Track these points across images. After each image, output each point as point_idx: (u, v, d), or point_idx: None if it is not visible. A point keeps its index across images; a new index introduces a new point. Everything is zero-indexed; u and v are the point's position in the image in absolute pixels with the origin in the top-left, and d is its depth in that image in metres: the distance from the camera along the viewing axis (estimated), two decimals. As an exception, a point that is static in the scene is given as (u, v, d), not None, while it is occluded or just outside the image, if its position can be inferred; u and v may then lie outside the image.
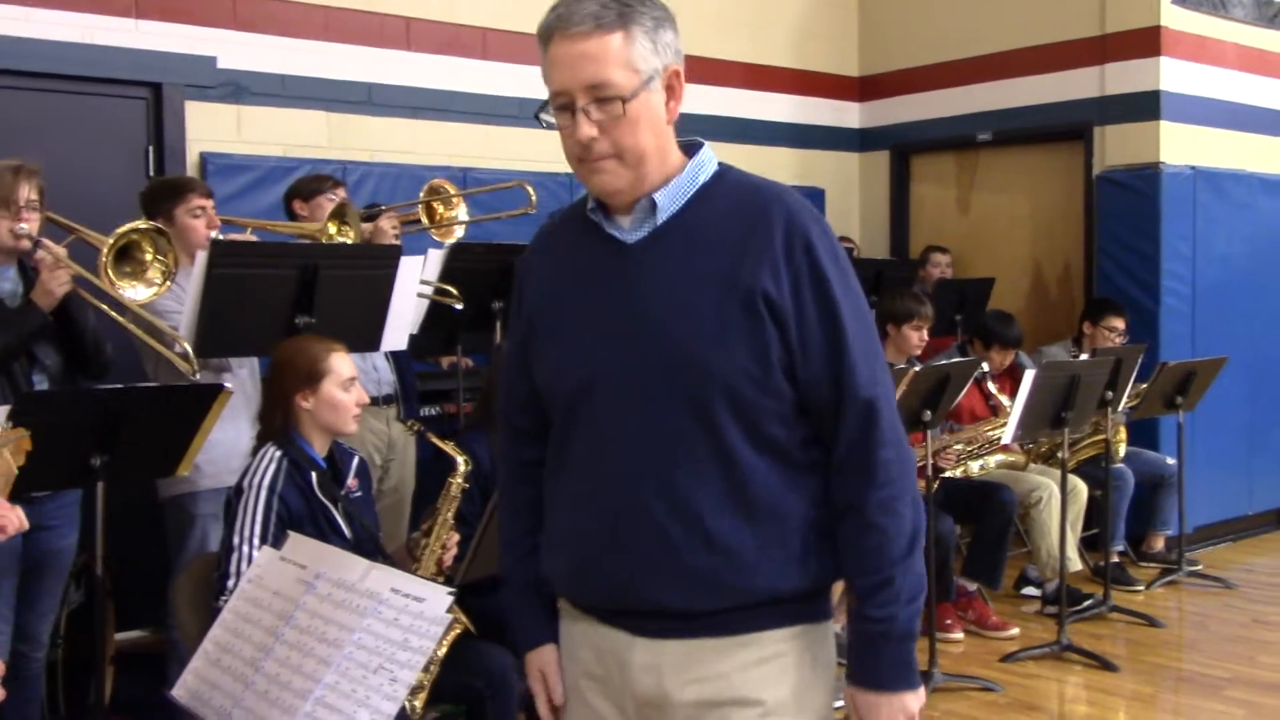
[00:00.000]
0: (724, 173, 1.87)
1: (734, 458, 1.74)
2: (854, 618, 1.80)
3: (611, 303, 1.79)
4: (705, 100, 6.94)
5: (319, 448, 3.11)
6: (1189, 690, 4.72)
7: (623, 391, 1.77)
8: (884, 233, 7.90)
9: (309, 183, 4.58)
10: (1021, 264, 7.40)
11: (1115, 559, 5.95)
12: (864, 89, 7.90)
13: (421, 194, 4.76)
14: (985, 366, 5.59)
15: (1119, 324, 6.12)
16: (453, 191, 4.80)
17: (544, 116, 1.77)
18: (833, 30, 7.77)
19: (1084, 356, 5.55)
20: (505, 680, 3.21)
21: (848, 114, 7.89)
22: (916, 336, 5.34)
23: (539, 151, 6.10)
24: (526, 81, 6.20)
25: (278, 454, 3.00)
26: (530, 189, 4.85)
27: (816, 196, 7.52)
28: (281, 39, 5.54)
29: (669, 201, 1.80)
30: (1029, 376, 4.74)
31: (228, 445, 3.55)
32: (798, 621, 1.80)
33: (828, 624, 1.88)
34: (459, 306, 4.34)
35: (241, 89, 5.42)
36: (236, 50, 5.38)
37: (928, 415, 4.47)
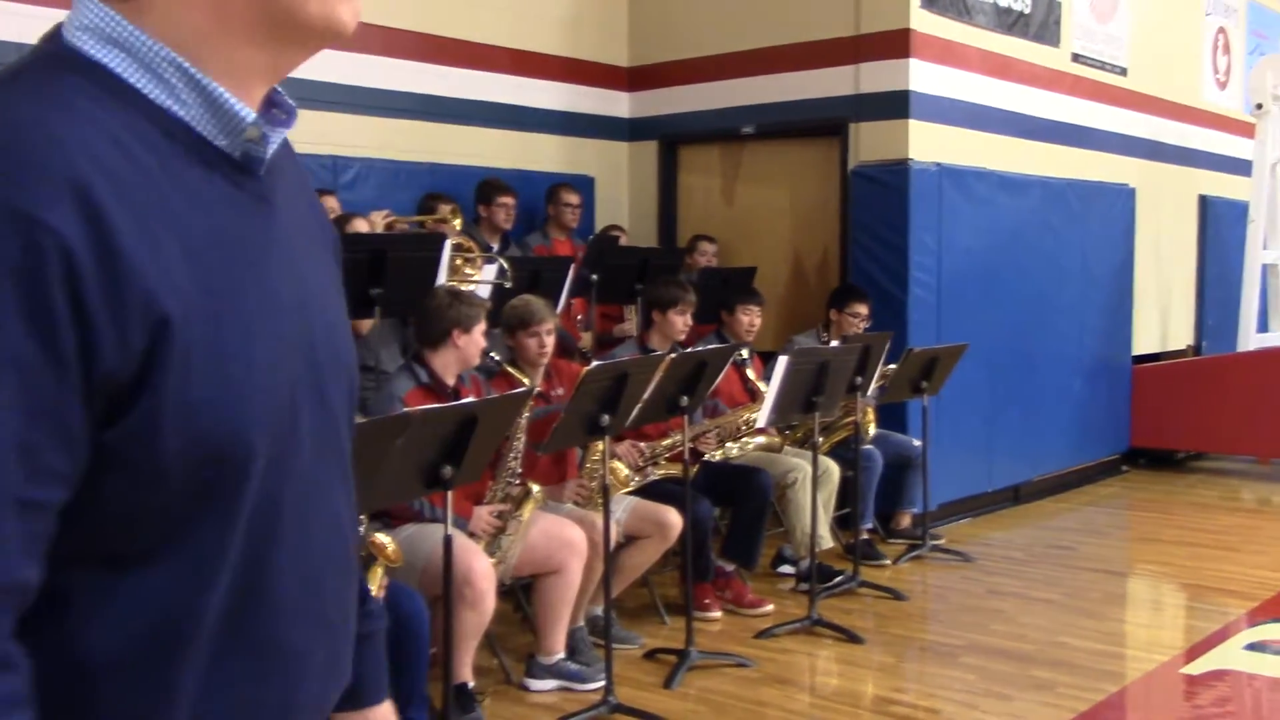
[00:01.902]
0: None
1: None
2: None
3: (270, 281, 1.09)
4: (471, 85, 6.92)
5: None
6: (929, 659, 5.00)
7: (321, 427, 1.15)
8: (653, 221, 8.04)
9: None
10: (782, 253, 7.66)
11: (865, 536, 6.24)
12: (633, 79, 8.01)
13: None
14: (745, 353, 5.77)
15: (863, 310, 6.41)
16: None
17: None
18: (603, 19, 7.85)
19: (834, 343, 5.79)
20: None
21: (617, 103, 7.99)
22: (681, 321, 5.48)
23: (299, 133, 5.98)
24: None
25: None
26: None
27: (586, 184, 7.60)
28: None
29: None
30: (781, 362, 4.92)
31: None
32: None
33: None
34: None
35: None
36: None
37: (685, 400, 4.58)
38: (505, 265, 5.28)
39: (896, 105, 6.89)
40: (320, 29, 1.09)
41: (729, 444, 5.65)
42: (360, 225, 5.14)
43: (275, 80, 1.12)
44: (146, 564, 1.00)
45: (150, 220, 0.97)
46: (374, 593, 3.47)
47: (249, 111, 1.06)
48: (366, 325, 4.84)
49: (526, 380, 4.36)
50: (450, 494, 3.43)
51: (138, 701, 1.02)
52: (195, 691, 1.04)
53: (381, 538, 3.50)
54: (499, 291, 5.38)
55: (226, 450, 1.00)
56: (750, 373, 5.82)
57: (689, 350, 4.96)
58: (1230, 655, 4.88)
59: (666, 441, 5.21)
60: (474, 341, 4.20)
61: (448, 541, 3.45)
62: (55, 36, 1.05)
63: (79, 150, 0.94)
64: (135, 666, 1.01)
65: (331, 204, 5.58)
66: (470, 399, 3.79)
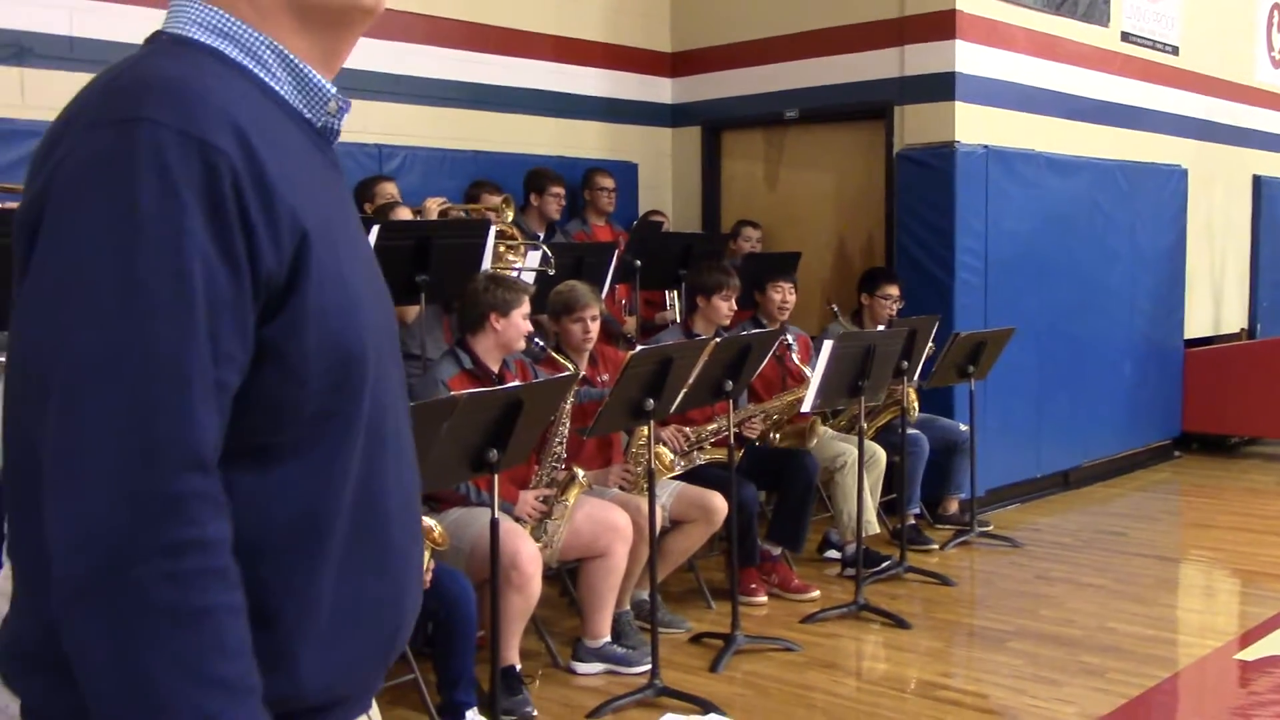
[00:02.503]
0: None
1: None
2: None
3: (351, 229, 1.29)
4: (514, 72, 6.93)
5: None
6: (977, 644, 4.97)
7: (394, 373, 1.31)
8: (696, 207, 8.02)
9: None
10: (827, 238, 7.62)
11: (911, 522, 6.20)
12: (676, 65, 7.98)
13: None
14: (790, 338, 5.75)
15: (894, 291, 6.36)
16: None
17: None
18: (645, 5, 7.83)
19: (880, 328, 5.75)
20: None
21: (660, 89, 7.97)
22: (725, 306, 5.47)
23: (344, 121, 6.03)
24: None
25: None
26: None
27: (629, 171, 7.60)
28: (69, -1, 5.32)
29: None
30: (827, 347, 4.89)
31: None
32: None
33: None
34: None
35: (25, 50, 5.17)
36: (18, 10, 5.13)
37: (729, 385, 4.56)
38: (549, 252, 5.29)
39: (942, 87, 6.83)
40: (339, 9, 1.24)
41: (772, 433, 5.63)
42: (403, 213, 5.16)
43: (330, 67, 1.28)
44: (291, 458, 1.16)
45: (281, 158, 1.15)
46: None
47: (332, 86, 1.26)
48: (411, 313, 4.86)
49: (571, 366, 4.36)
50: (496, 478, 3.44)
51: (289, 583, 1.17)
52: (334, 579, 1.20)
53: (427, 521, 3.52)
54: (543, 278, 5.40)
55: (351, 349, 1.18)
56: (796, 356, 5.79)
57: (733, 335, 4.95)
58: (1289, 642, 4.82)
59: (711, 426, 5.20)
60: (513, 325, 4.20)
61: (494, 525, 3.46)
62: (160, 35, 1.23)
63: (226, 97, 1.13)
64: (285, 552, 1.16)
65: (391, 190, 5.60)
66: (515, 383, 3.81)
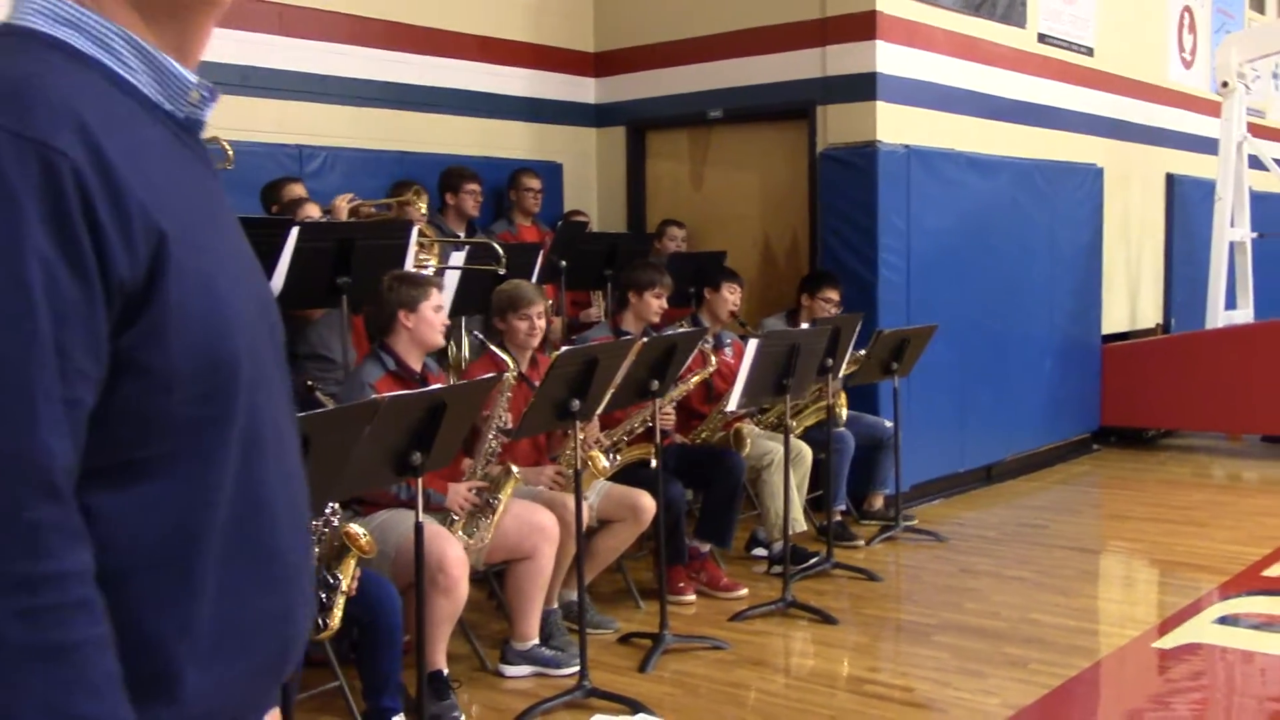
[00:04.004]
0: None
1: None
2: None
3: (222, 228, 1.23)
4: (438, 72, 6.88)
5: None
6: (903, 638, 5.02)
7: (275, 377, 1.26)
8: (621, 207, 8.02)
9: None
10: (752, 238, 7.66)
11: (838, 518, 6.26)
12: (600, 65, 7.98)
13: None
14: (728, 338, 5.79)
15: (834, 295, 6.42)
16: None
17: None
18: (568, 5, 7.81)
19: (804, 326, 5.79)
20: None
21: (584, 89, 7.96)
22: (658, 304, 5.48)
23: (264, 122, 5.98)
24: (248, 49, 6.03)
25: None
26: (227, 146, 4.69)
27: (554, 171, 7.58)
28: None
29: None
30: (751, 345, 4.92)
31: None
32: None
33: None
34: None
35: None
36: None
37: (655, 385, 4.57)
38: (498, 250, 5.29)
39: (863, 87, 6.89)
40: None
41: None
42: (311, 210, 5.10)
43: (188, 58, 1.20)
44: (160, 473, 1.09)
45: (135, 156, 1.08)
46: (345, 585, 3.45)
47: (194, 76, 1.19)
48: (316, 313, 4.81)
49: (510, 360, 4.33)
50: (420, 482, 3.41)
51: (165, 605, 1.10)
52: (215, 596, 1.13)
53: (355, 528, 3.48)
54: (467, 278, 5.37)
55: (221, 355, 1.11)
56: (730, 355, 5.82)
57: (660, 334, 4.95)
58: (1202, 629, 4.92)
59: (625, 425, 5.18)
60: (424, 320, 4.16)
61: (419, 529, 3.43)
62: (2, 27, 1.14)
63: (70, 93, 1.06)
64: (159, 572, 1.10)
65: (299, 190, 5.54)
66: (438, 385, 3.77)
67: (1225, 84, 9.25)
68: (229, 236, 1.22)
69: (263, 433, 1.18)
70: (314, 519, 3.35)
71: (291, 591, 1.23)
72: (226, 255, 1.18)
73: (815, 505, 6.29)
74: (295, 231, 4.30)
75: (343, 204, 5.52)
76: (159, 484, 1.09)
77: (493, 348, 4.47)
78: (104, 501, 1.06)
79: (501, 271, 5.20)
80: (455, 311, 5.47)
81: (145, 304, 1.05)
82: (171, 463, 1.10)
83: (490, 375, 4.04)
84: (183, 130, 1.20)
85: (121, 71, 1.14)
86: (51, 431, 0.99)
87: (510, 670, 4.45)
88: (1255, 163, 9.62)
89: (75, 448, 1.02)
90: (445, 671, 4.09)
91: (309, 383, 3.47)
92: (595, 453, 4.70)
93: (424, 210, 5.80)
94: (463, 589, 3.97)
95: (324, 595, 3.50)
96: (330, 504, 3.32)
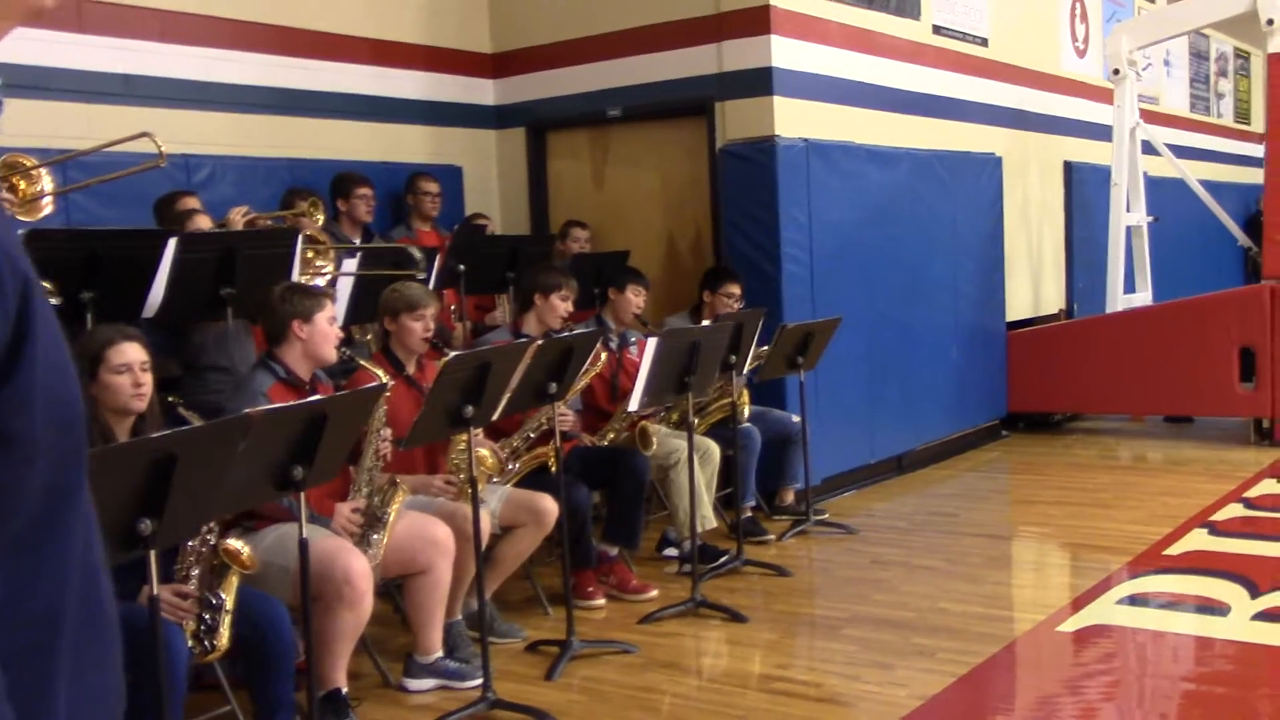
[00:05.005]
0: None
1: None
2: None
3: None
4: (329, 77, 6.74)
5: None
6: (812, 633, 5.00)
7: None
8: (524, 209, 7.93)
9: None
10: (655, 236, 7.62)
11: (748, 515, 6.23)
12: (498, 65, 7.88)
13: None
14: (632, 339, 5.73)
15: (736, 290, 6.39)
16: (29, 165, 4.38)
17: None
18: (463, 6, 7.70)
19: (706, 323, 5.76)
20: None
21: (482, 91, 7.85)
22: (563, 306, 5.42)
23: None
24: (130, 56, 5.85)
25: None
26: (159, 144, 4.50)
27: (454, 174, 7.47)
28: None
29: None
30: (651, 344, 4.87)
31: None
32: None
33: None
34: (53, 301, 4.01)
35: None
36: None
37: (553, 388, 4.49)
38: (420, 255, 5.20)
39: (760, 82, 6.88)
40: None
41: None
42: (203, 222, 4.95)
43: None
44: (20, 550, 0.96)
45: None
46: (228, 602, 3.34)
47: None
48: (219, 325, 4.67)
49: (382, 374, 4.23)
50: (304, 495, 3.30)
51: (29, 694, 0.97)
52: (67, 678, 1.00)
53: (234, 543, 3.36)
54: (361, 285, 5.26)
55: (74, 411, 0.98)
56: (636, 354, 5.77)
57: (556, 336, 4.88)
58: (1108, 611, 4.96)
59: (521, 432, 5.10)
60: (318, 332, 4.06)
61: (303, 545, 3.32)
62: None
63: None
64: (24, 657, 0.96)
65: (193, 203, 5.37)
66: (317, 396, 3.67)
67: (1117, 71, 9.41)
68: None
69: (86, 497, 1.04)
70: (189, 540, 3.23)
71: (119, 660, 1.10)
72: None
73: (726, 503, 6.26)
74: (173, 243, 4.16)
75: (237, 217, 5.37)
76: (20, 562, 0.96)
77: (362, 363, 4.36)
78: None
79: (421, 276, 5.11)
80: (351, 320, 5.37)
81: (15, 362, 0.91)
82: (31, 539, 0.97)
83: (372, 385, 3.94)
84: None
85: None
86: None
87: (413, 684, 4.35)
88: (1149, 148, 9.79)
89: None
90: (344, 690, 3.98)
91: (169, 399, 3.35)
92: (482, 451, 4.61)
93: (320, 221, 5.68)
94: (368, 602, 3.87)
95: (208, 616, 3.38)
96: (207, 524, 3.21)
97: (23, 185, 4.45)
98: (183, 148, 6.00)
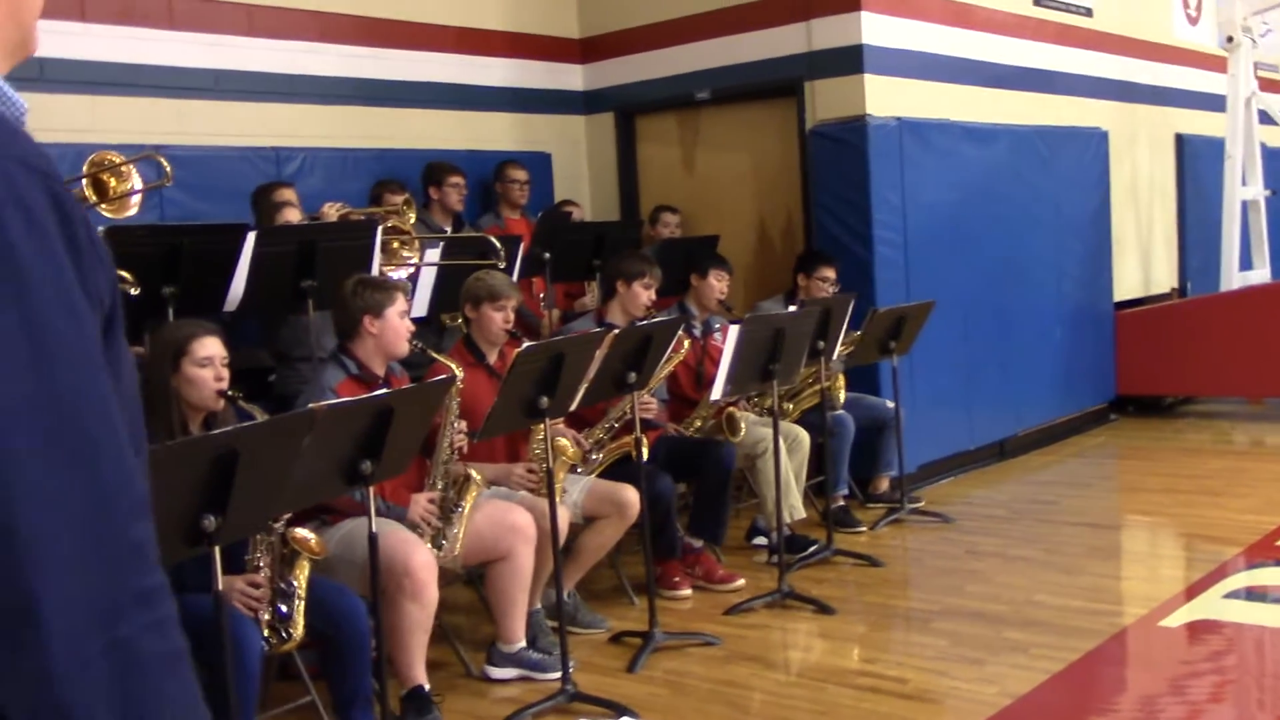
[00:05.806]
0: None
1: None
2: None
3: None
4: (415, 67, 6.76)
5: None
6: (900, 625, 4.88)
7: None
8: (613, 195, 7.88)
9: None
10: (746, 220, 7.51)
11: (840, 503, 6.11)
12: (585, 50, 7.83)
13: (85, 168, 4.40)
14: (716, 325, 5.65)
15: (830, 274, 6.27)
16: (118, 161, 4.43)
17: None
18: (550, -8, 7.67)
19: (793, 308, 5.64)
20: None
21: (570, 76, 7.81)
22: (646, 295, 5.35)
23: (239, 125, 5.89)
24: (220, 52, 5.93)
25: None
26: (164, 160, 4.55)
27: (543, 161, 7.45)
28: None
29: None
30: (733, 331, 4.78)
31: None
32: None
33: None
34: (133, 292, 4.07)
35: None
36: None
37: (632, 377, 4.44)
38: (497, 243, 5.18)
39: (850, 60, 6.72)
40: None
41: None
42: (292, 215, 4.99)
43: None
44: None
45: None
46: (300, 589, 3.35)
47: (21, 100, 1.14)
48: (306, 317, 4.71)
49: (455, 366, 4.21)
50: (371, 490, 3.30)
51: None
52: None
53: (302, 532, 3.37)
54: (447, 276, 5.25)
55: (135, 392, 1.11)
56: (721, 341, 5.68)
57: (635, 324, 4.82)
58: (1217, 605, 4.74)
59: (604, 423, 5.06)
60: (389, 326, 4.05)
61: (373, 540, 3.32)
62: None
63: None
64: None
65: (287, 195, 5.41)
66: (383, 390, 3.66)
67: (1230, 39, 9.00)
68: None
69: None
70: (259, 534, 3.25)
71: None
72: None
73: (817, 491, 6.14)
74: (252, 237, 4.19)
75: (331, 211, 5.40)
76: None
77: (434, 355, 4.33)
78: None
79: (501, 265, 5.09)
80: (438, 309, 5.37)
81: (109, 333, 1.05)
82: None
83: (442, 378, 3.92)
84: None
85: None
86: (129, 452, 1.02)
87: (496, 673, 4.34)
88: (1266, 119, 9.36)
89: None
90: (427, 687, 3.98)
91: (229, 392, 3.36)
92: (563, 440, 4.58)
93: (413, 219, 5.69)
94: (432, 593, 3.86)
95: (283, 606, 3.40)
96: (274, 519, 3.22)
97: (113, 183, 4.52)
98: (273, 141, 6.09)
